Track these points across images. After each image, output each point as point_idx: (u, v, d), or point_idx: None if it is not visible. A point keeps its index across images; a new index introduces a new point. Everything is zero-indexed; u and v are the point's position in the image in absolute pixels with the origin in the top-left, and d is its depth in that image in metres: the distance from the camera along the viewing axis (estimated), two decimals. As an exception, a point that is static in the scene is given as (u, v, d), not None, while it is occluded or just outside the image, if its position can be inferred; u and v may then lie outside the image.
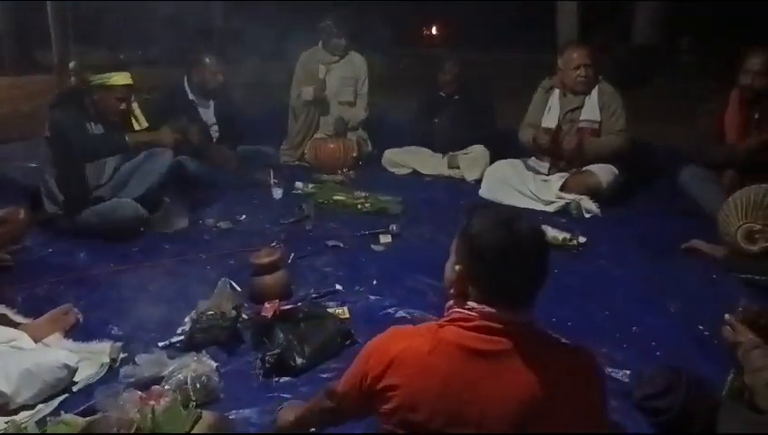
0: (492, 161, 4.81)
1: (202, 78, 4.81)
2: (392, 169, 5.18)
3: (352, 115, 5.36)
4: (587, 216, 4.25)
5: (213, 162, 4.73)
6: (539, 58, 5.83)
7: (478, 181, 4.76)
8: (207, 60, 4.80)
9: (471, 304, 1.57)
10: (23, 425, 2.24)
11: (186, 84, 4.87)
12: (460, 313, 1.58)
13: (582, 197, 4.28)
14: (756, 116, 3.94)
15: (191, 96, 4.85)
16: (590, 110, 4.39)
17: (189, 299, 3.13)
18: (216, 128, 4.91)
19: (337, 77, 5.38)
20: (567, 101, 4.49)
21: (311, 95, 5.28)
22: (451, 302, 1.64)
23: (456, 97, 5.12)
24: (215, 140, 4.89)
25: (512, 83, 6.06)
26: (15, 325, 2.87)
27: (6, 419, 2.33)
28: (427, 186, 4.91)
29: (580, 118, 4.42)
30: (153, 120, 4.23)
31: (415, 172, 5.13)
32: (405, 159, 5.17)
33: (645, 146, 4.95)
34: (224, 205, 4.47)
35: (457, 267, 1.61)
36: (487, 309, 1.55)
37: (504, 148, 4.93)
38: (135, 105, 4.19)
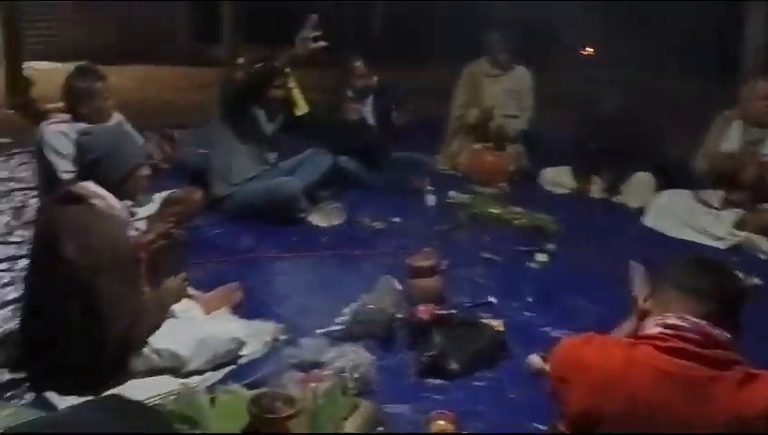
0: (657, 190, 4.61)
1: (353, 78, 4.97)
2: (549, 188, 5.07)
3: (513, 128, 5.31)
4: (762, 257, 3.96)
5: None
6: (712, 86, 5.50)
7: (641, 209, 4.56)
8: (357, 62, 4.96)
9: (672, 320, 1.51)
10: (194, 389, 2.38)
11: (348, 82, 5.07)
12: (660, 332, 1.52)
13: (759, 236, 3.99)
14: None
15: (351, 94, 5.04)
16: (775, 144, 4.10)
17: (344, 292, 3.22)
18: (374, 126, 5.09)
19: (500, 90, 5.36)
20: (749, 133, 4.21)
21: (474, 118, 5.29)
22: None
23: (620, 121, 4.94)
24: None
25: (682, 111, 5.80)
26: (188, 297, 3.05)
27: (180, 381, 2.48)
28: (586, 208, 4.75)
29: (764, 152, 4.13)
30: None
31: (573, 193, 4.99)
32: (563, 179, 5.05)
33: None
34: (378, 206, 4.55)
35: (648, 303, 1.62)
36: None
37: (672, 177, 4.71)
38: (296, 91, 4.39)
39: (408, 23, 9.84)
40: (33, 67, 8.22)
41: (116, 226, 2.54)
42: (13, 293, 3.25)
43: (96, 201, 2.52)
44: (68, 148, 3.34)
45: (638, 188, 4.74)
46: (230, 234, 4.12)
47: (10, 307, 3.10)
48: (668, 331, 1.54)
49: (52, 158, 3.46)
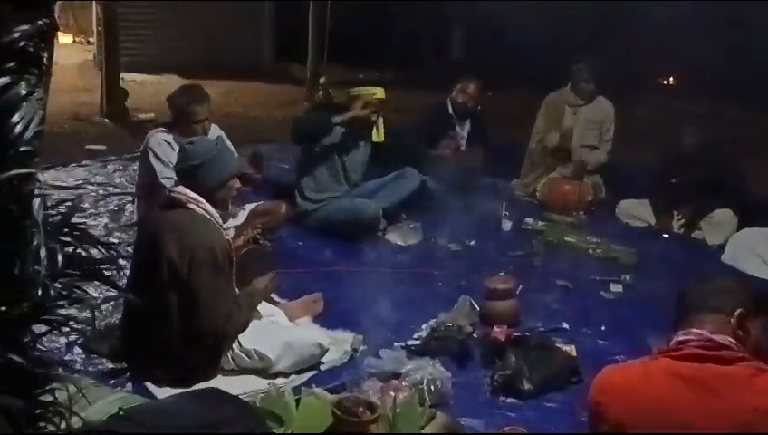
0: (739, 228, 4.55)
1: (458, 98, 5.18)
2: (626, 220, 5.05)
3: (593, 159, 5.33)
4: None
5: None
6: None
7: (721, 246, 4.52)
8: (468, 83, 5.21)
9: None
10: (281, 389, 2.52)
11: (449, 102, 5.29)
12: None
13: None
14: None
15: (450, 112, 5.26)
16: None
17: (420, 308, 3.34)
18: (464, 144, 5.31)
19: (582, 120, 5.39)
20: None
21: (555, 142, 5.35)
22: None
23: (702, 156, 4.90)
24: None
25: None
26: (274, 303, 3.22)
27: (267, 381, 2.63)
28: (663, 242, 4.73)
29: None
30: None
31: (650, 226, 4.97)
32: (641, 212, 5.02)
33: None
34: (455, 228, 4.64)
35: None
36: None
37: (754, 215, 4.64)
38: (380, 120, 4.56)
39: (486, 47, 9.95)
40: (126, 79, 8.68)
41: (212, 228, 2.73)
42: (113, 290, 3.48)
43: (194, 206, 2.72)
44: (170, 155, 3.61)
45: (718, 225, 4.69)
46: (312, 247, 4.29)
47: (111, 302, 3.33)
48: (680, 345, 1.69)
49: (155, 163, 3.74)
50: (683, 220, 4.87)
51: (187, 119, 3.83)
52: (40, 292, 0.95)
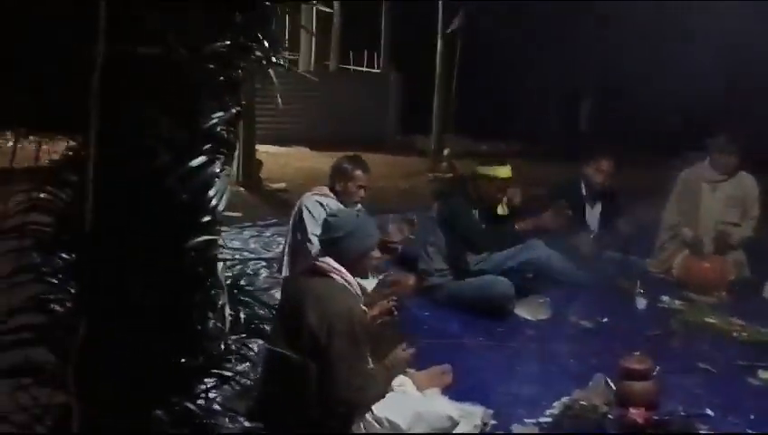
0: None
1: (593, 177, 5.09)
2: (774, 301, 4.74)
3: (737, 234, 5.06)
4: None
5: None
6: None
7: None
8: (604, 161, 5.10)
9: None
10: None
11: (582, 181, 5.21)
12: None
13: None
14: None
15: (583, 192, 5.16)
16: None
17: (551, 385, 3.25)
18: (595, 232, 5.13)
19: (723, 196, 5.14)
20: None
21: (689, 238, 5.14)
22: None
23: None
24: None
25: None
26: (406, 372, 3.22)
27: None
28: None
29: None
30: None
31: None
32: (791, 293, 4.71)
33: None
34: (586, 305, 4.52)
35: None
36: None
37: None
38: (513, 192, 4.58)
39: (616, 120, 9.83)
40: (259, 150, 9.18)
41: (351, 298, 2.81)
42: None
43: (335, 275, 2.82)
44: (322, 214, 3.79)
45: None
46: (439, 318, 4.31)
47: (247, 363, 3.46)
48: None
49: (308, 221, 3.95)
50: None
51: (349, 182, 4.04)
52: (221, 347, 1.03)
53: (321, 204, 3.96)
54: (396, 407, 2.77)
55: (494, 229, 4.54)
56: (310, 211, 3.97)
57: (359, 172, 4.06)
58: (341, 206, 3.91)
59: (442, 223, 4.53)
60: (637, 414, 2.85)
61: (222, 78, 1.20)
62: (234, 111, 1.11)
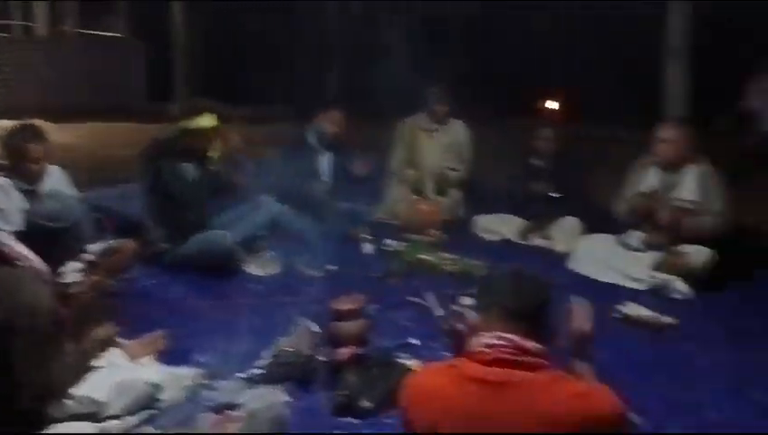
0: (584, 235, 4.80)
1: (323, 128, 5.20)
2: (483, 235, 5.23)
3: (452, 180, 5.49)
4: (678, 297, 4.14)
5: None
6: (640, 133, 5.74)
7: (568, 253, 4.74)
8: (335, 112, 5.23)
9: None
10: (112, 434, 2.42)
11: (309, 132, 5.29)
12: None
13: (675, 277, 4.18)
14: None
15: (311, 142, 5.25)
16: (688, 189, 4.31)
17: (272, 337, 3.30)
18: (326, 179, 5.27)
19: (440, 144, 5.55)
20: (664, 178, 4.43)
21: (411, 183, 5.48)
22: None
23: (550, 167, 5.16)
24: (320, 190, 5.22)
25: (621, 160, 6.05)
26: (115, 345, 3.10)
27: (98, 426, 2.52)
28: (516, 254, 4.92)
29: (677, 196, 4.34)
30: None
31: (505, 240, 5.16)
32: (496, 226, 5.22)
33: (750, 231, 4.77)
34: (316, 255, 4.65)
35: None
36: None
37: (598, 222, 4.90)
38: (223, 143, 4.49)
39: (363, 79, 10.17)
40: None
41: (38, 288, 2.59)
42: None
43: (21, 263, 2.60)
44: (4, 202, 3.45)
45: (565, 233, 4.93)
46: (165, 284, 4.19)
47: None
48: (486, 349, 1.75)
49: None
50: (535, 231, 5.09)
51: (20, 159, 3.69)
52: None
53: (3, 187, 3.61)
54: (95, 383, 2.64)
55: (208, 181, 4.43)
56: None
57: (31, 146, 3.74)
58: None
59: (156, 185, 4.37)
60: (343, 353, 2.99)
61: None
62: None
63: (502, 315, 1.78)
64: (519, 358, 1.72)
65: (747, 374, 3.27)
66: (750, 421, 2.87)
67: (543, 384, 1.69)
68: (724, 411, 2.96)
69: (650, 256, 4.35)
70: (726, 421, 2.88)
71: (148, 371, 2.86)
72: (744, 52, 7.96)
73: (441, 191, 5.43)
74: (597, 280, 4.39)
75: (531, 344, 1.74)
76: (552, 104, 7.59)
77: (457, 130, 5.65)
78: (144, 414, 2.68)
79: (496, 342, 1.74)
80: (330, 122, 5.28)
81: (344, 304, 3.33)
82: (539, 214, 5.13)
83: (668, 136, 4.34)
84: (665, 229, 4.35)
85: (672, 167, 4.37)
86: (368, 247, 4.79)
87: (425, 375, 1.90)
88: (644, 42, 8.05)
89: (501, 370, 1.71)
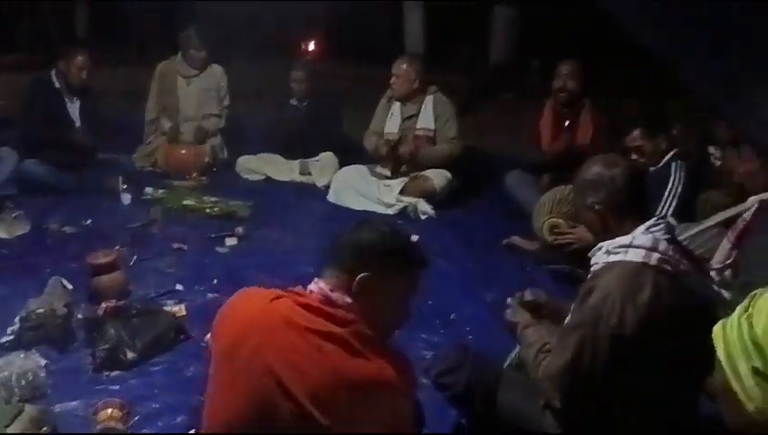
0: (341, 168, 5.04)
1: (68, 72, 4.83)
2: (246, 176, 5.27)
3: (212, 124, 5.44)
4: (423, 217, 4.57)
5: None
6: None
7: (328, 187, 4.97)
8: (77, 55, 4.84)
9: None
10: None
11: (53, 77, 4.88)
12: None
13: (419, 199, 4.59)
14: (567, 123, 4.39)
15: (57, 86, 4.87)
16: (425, 118, 4.72)
17: (22, 302, 3.15)
18: (79, 125, 4.94)
19: (198, 89, 5.42)
20: (405, 109, 4.80)
21: (167, 129, 5.36)
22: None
23: (307, 106, 5.30)
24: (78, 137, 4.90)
25: (371, 95, 6.37)
26: None
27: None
28: (279, 191, 5.04)
29: (416, 126, 4.73)
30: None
31: (268, 179, 5.26)
32: (258, 166, 5.29)
33: (479, 153, 5.35)
34: (70, 210, 4.45)
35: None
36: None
37: (353, 155, 5.18)
38: None
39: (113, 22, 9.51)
40: None
41: None
42: None
43: None
44: None
45: (323, 168, 5.15)
46: None
47: None
48: (306, 292, 1.78)
49: None
50: (296, 167, 5.25)
51: None
52: None
53: None
54: None
55: None
56: None
57: None
58: None
59: None
60: (98, 308, 2.95)
61: None
62: None
63: (329, 264, 1.80)
64: (325, 308, 1.72)
65: (480, 278, 3.76)
66: (484, 319, 3.32)
67: (345, 340, 1.68)
68: (465, 311, 3.40)
69: (398, 183, 4.72)
70: (466, 321, 3.33)
71: None
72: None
73: (199, 139, 5.34)
74: (352, 208, 4.67)
75: (337, 296, 1.73)
76: (308, 44, 7.73)
77: (216, 75, 5.53)
78: None
79: (313, 288, 1.77)
80: (74, 67, 4.93)
81: (99, 258, 3.29)
82: (299, 151, 5.28)
83: (398, 71, 4.71)
84: (407, 158, 4.74)
85: (408, 99, 4.76)
86: (126, 198, 4.64)
87: (242, 298, 1.83)
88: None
89: (311, 316, 1.71)
